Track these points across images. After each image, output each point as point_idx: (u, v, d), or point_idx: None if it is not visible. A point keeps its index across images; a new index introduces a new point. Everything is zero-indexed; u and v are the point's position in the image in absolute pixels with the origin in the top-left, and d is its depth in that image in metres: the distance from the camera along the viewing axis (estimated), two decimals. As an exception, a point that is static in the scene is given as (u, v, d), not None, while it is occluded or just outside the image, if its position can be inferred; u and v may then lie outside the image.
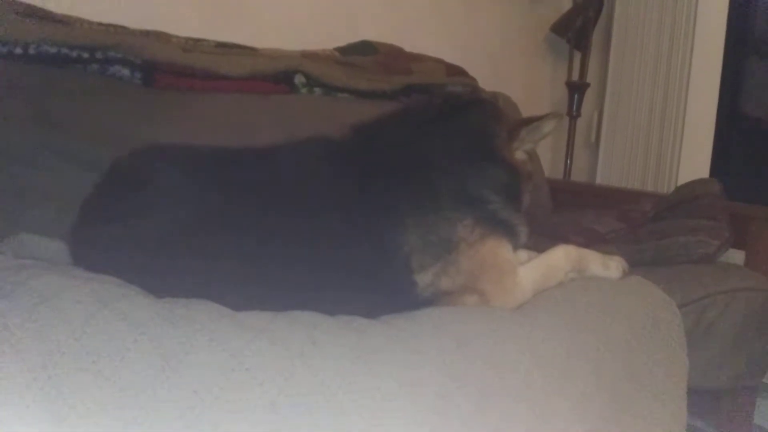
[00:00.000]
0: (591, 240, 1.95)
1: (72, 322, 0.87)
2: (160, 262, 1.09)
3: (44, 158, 1.55)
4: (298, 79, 2.09)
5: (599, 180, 3.04)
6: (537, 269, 1.35)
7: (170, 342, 0.88)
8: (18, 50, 1.60)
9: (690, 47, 2.66)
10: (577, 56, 3.07)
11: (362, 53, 2.33)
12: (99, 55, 1.71)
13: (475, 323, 1.13)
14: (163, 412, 0.82)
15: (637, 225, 2.09)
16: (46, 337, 0.84)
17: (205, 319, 0.94)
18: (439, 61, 2.50)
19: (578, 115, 3.08)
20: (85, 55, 1.69)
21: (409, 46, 2.47)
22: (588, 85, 3.05)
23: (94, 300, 0.91)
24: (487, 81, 2.61)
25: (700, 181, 2.20)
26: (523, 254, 1.42)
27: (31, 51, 1.62)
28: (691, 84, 2.67)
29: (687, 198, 2.07)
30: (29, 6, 1.68)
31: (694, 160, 2.66)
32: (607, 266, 1.44)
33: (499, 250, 1.29)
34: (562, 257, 1.40)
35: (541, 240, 1.57)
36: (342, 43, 2.36)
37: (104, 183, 1.27)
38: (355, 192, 1.24)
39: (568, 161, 3.11)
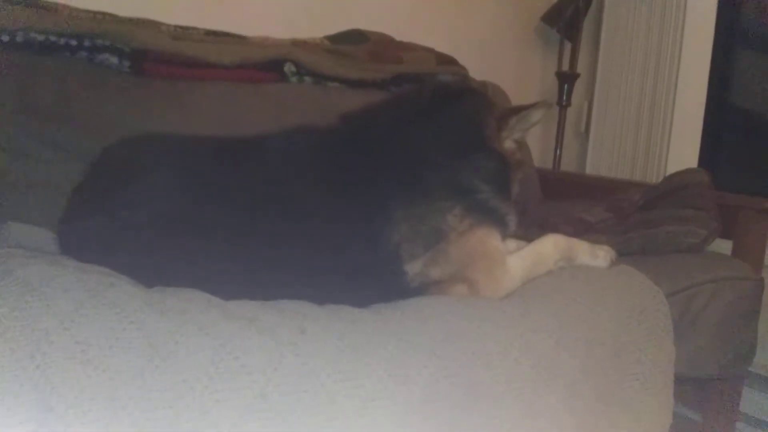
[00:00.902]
0: (580, 229, 1.96)
1: (61, 312, 0.86)
2: (149, 252, 1.09)
3: (32, 147, 1.54)
4: (288, 68, 2.08)
5: (589, 170, 3.04)
6: (526, 258, 1.36)
7: (159, 331, 0.88)
8: (5, 37, 1.59)
9: (680, 38, 2.67)
10: (568, 46, 3.06)
11: (352, 42, 2.32)
12: (87, 42, 1.70)
13: (464, 313, 1.14)
14: (153, 401, 0.82)
15: (625, 215, 2.10)
16: (35, 326, 0.84)
17: (194, 309, 0.94)
18: (430, 50, 2.49)
19: (568, 105, 3.08)
20: (73, 42, 1.68)
21: (399, 35, 2.46)
22: (578, 75, 3.05)
23: (83, 289, 0.91)
24: (477, 70, 2.60)
25: (689, 171, 2.20)
26: (512, 243, 1.43)
27: (18, 38, 1.60)
28: (681, 74, 2.68)
29: (675, 188, 2.08)
30: (16, -8, 1.66)
31: (683, 150, 2.67)
32: (595, 255, 1.45)
33: (488, 239, 1.30)
34: (551, 246, 1.41)
35: (530, 229, 1.58)
36: (332, 31, 2.34)
37: (93, 172, 1.26)
38: (344, 181, 1.24)
39: (558, 151, 3.11)
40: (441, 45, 2.55)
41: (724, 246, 2.00)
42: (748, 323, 1.80)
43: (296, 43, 2.16)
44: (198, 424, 0.84)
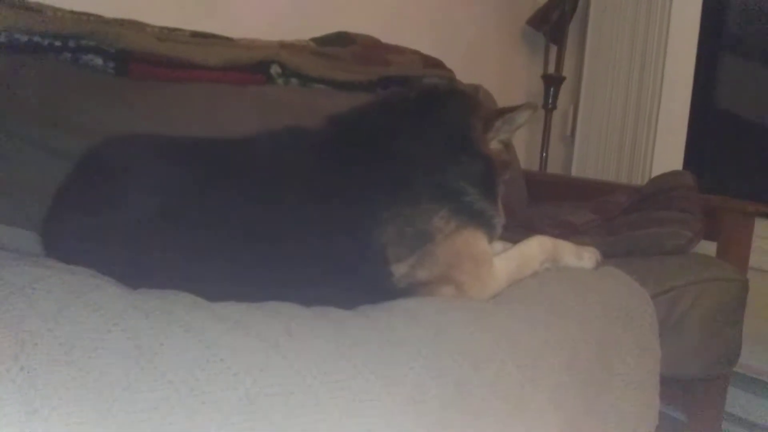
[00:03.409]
0: (566, 231, 1.97)
1: (45, 313, 0.86)
2: (134, 253, 1.08)
3: (16, 148, 1.53)
4: (275, 70, 2.07)
5: (574, 172, 3.06)
6: (512, 260, 1.36)
7: (144, 333, 0.88)
8: (-11, 38, 1.58)
9: (664, 42, 2.69)
10: (553, 50, 3.08)
11: (339, 44, 2.32)
12: (71, 43, 1.69)
13: (451, 314, 1.14)
14: (138, 403, 0.82)
15: (611, 217, 2.11)
16: (19, 327, 0.83)
17: (179, 310, 0.93)
18: (416, 53, 2.50)
19: (554, 108, 3.10)
20: (58, 43, 1.67)
21: (385, 38, 2.46)
22: (564, 78, 3.07)
23: (67, 291, 0.91)
24: (463, 73, 2.61)
25: (674, 174, 2.22)
26: (498, 245, 1.43)
27: (2, 39, 1.59)
28: (666, 78, 2.70)
29: (660, 190, 2.10)
30: (0, -7, 1.65)
31: (668, 153, 2.69)
32: (581, 257, 1.46)
33: (474, 241, 1.30)
34: (536, 248, 1.41)
35: (516, 231, 1.58)
36: (319, 33, 2.34)
37: (77, 173, 1.25)
38: (331, 183, 1.24)
39: (544, 154, 3.12)
40: (427, 48, 2.56)
41: (708, 248, 2.02)
42: (733, 324, 1.81)
43: (283, 45, 2.16)
44: (184, 426, 0.83)
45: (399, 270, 1.22)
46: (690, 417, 2.02)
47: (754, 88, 2.80)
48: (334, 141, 1.33)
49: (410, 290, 1.22)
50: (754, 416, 2.34)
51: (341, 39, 2.35)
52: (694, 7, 2.64)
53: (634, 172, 2.80)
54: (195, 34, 1.98)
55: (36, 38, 1.63)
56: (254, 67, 2.03)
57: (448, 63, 2.58)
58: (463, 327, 1.11)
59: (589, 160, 2.99)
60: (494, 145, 1.40)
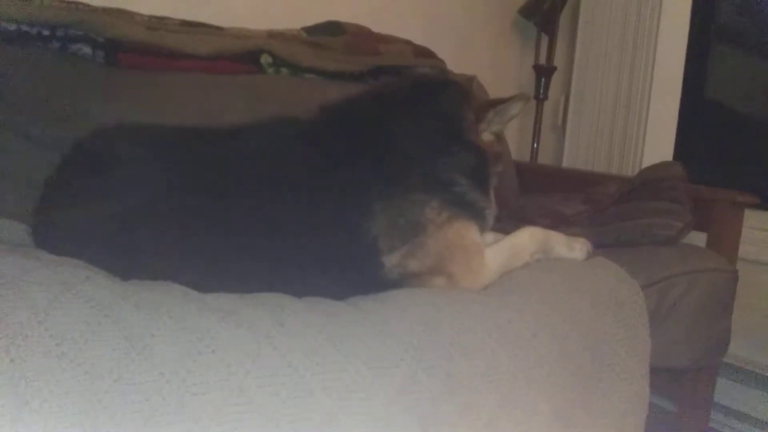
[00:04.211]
0: (557, 222, 1.97)
1: (35, 305, 0.85)
2: (125, 244, 1.08)
3: (4, 139, 1.51)
4: (265, 59, 2.06)
5: (565, 163, 3.05)
6: (503, 251, 1.37)
7: (135, 324, 0.87)
8: (-25, 27, 1.56)
9: (655, 32, 2.69)
10: (545, 40, 3.08)
11: (330, 33, 2.31)
12: (60, 32, 1.67)
13: (443, 305, 1.14)
14: (129, 395, 0.82)
15: (601, 207, 2.11)
16: (9, 319, 0.83)
17: (170, 302, 0.93)
18: (407, 43, 2.49)
19: (545, 98, 3.09)
20: (46, 32, 1.65)
21: (376, 27, 2.45)
22: (555, 68, 3.06)
23: (57, 282, 0.90)
24: (454, 63, 2.60)
25: (664, 164, 2.23)
26: (489, 236, 1.43)
27: (-10, 28, 1.58)
28: (656, 68, 2.70)
29: (651, 181, 2.10)
30: (-13, -18, 1.63)
31: (659, 144, 2.70)
32: (571, 248, 1.46)
33: (466, 232, 1.30)
34: (527, 239, 1.42)
35: (507, 222, 1.59)
36: (309, 22, 2.33)
37: (67, 164, 1.25)
38: (323, 174, 1.23)
39: (535, 144, 3.12)
40: (418, 37, 2.55)
41: (698, 238, 2.02)
42: (723, 314, 1.82)
43: (273, 35, 2.14)
44: (175, 418, 0.83)
45: (390, 261, 1.22)
46: (679, 407, 2.03)
47: (745, 79, 2.81)
48: (326, 132, 1.33)
49: (402, 281, 1.23)
50: (742, 406, 2.36)
51: (332, 28, 2.33)
52: (685, -3, 2.65)
53: (624, 162, 2.80)
54: (184, 23, 1.97)
55: (24, 27, 1.62)
56: (244, 56, 2.02)
57: (439, 53, 2.57)
58: (455, 318, 1.11)
59: (580, 151, 2.99)
60: (486, 136, 1.40)
